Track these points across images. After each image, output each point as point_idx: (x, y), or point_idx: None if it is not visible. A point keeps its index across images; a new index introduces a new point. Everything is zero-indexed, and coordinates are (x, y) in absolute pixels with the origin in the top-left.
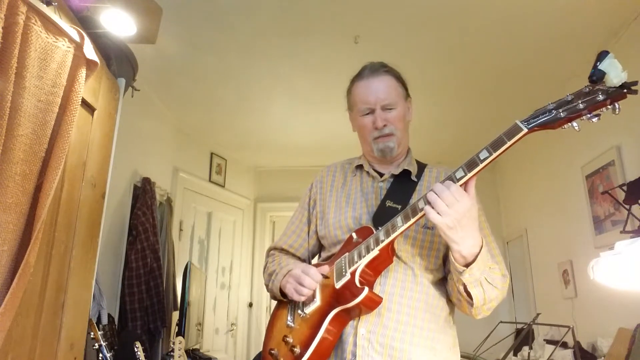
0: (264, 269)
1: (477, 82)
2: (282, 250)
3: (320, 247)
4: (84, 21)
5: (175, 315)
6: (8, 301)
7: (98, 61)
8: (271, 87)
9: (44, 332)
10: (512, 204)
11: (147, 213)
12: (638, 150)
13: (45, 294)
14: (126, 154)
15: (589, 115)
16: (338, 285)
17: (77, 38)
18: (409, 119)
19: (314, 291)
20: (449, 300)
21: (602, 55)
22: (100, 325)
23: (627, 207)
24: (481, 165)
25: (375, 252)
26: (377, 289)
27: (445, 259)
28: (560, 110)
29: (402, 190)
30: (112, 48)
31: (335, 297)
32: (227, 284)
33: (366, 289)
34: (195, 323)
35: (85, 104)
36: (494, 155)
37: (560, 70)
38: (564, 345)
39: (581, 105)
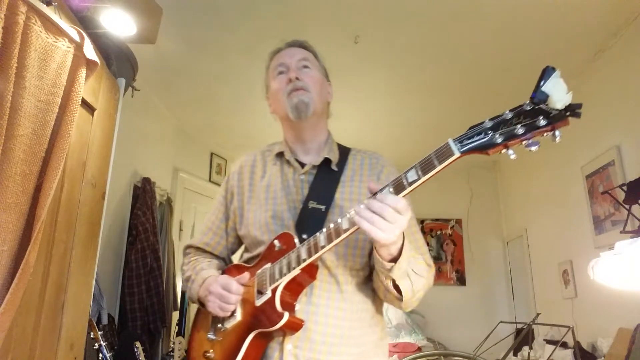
0: (181, 269)
1: (478, 83)
2: (198, 249)
3: (240, 244)
4: (84, 21)
5: (175, 315)
6: (8, 301)
7: (98, 61)
8: None
9: (44, 332)
10: (512, 204)
11: (147, 213)
12: (638, 150)
13: (45, 294)
14: (126, 154)
15: (528, 142)
16: (258, 302)
17: (77, 38)
18: (328, 99)
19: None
20: (376, 297)
21: (547, 74)
22: (100, 325)
23: (627, 207)
24: (409, 189)
25: (296, 272)
26: (302, 299)
27: (370, 255)
28: (497, 134)
29: (324, 185)
30: (112, 48)
31: (256, 315)
32: None
33: (286, 315)
34: None
35: (85, 104)
36: (423, 179)
37: (560, 70)
38: (564, 345)
39: (520, 130)
